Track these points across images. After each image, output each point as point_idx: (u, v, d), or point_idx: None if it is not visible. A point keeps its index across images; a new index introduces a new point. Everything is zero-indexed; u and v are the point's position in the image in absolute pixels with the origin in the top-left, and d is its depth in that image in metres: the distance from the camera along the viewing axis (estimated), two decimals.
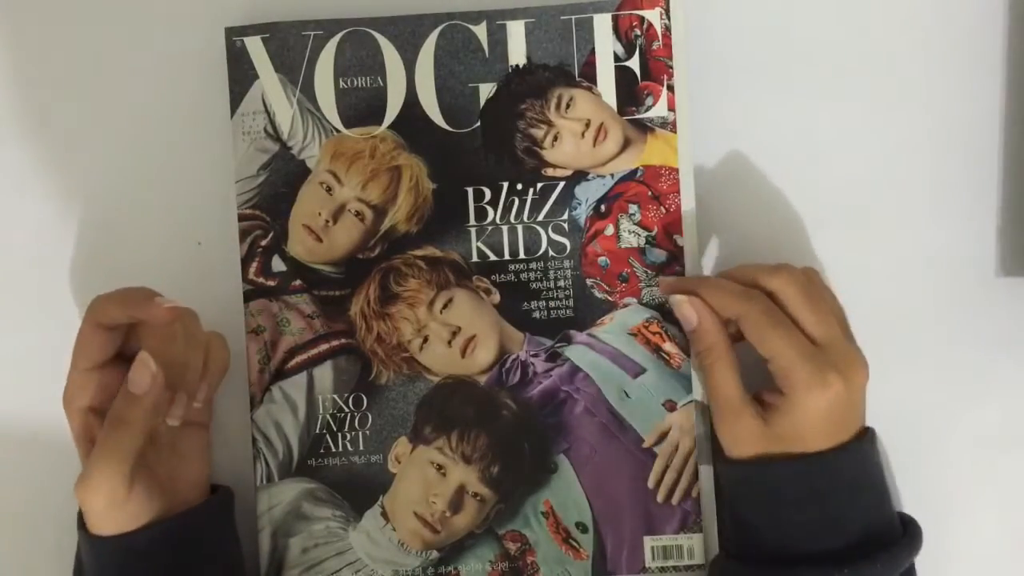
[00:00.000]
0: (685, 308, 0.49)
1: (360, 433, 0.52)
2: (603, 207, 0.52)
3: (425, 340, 0.52)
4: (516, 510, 0.51)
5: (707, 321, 0.48)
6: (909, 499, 0.52)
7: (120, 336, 0.48)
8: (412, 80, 0.52)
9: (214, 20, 0.52)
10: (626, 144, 0.51)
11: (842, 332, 0.47)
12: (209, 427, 0.52)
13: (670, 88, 0.51)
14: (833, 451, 0.46)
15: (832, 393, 0.45)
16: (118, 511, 0.45)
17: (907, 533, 0.47)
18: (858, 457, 0.46)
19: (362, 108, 0.52)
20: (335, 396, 0.52)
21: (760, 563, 0.47)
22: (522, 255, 0.52)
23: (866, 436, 0.47)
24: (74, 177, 0.54)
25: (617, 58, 0.51)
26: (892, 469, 0.53)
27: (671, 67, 0.51)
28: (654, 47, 0.51)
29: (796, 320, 0.46)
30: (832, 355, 0.46)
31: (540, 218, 0.52)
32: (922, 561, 0.47)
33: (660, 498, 0.51)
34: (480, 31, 0.51)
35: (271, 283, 0.52)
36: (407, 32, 0.51)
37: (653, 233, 0.52)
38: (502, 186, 0.52)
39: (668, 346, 0.51)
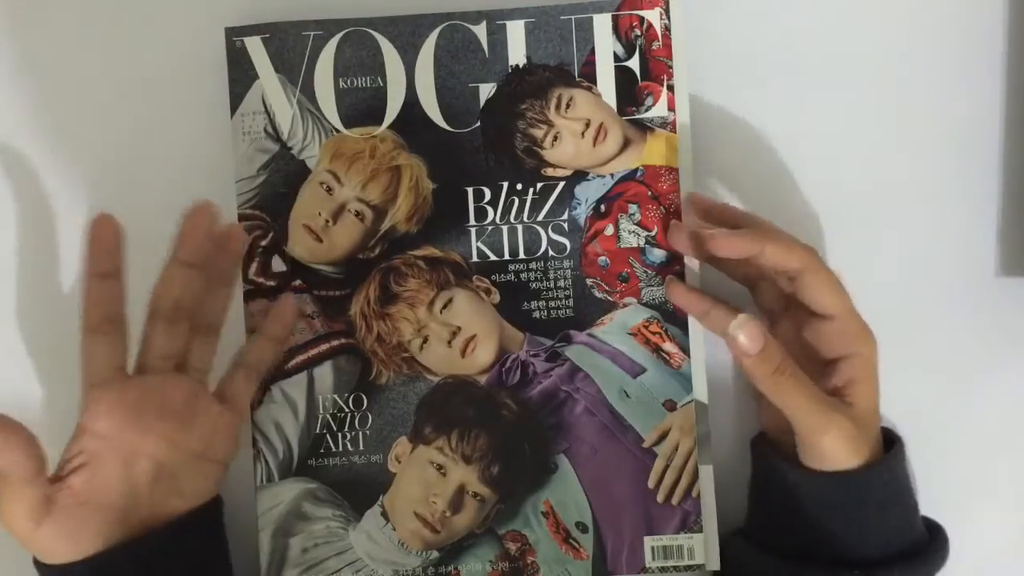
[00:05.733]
0: (749, 330, 0.43)
1: (360, 433, 0.52)
2: (603, 207, 0.52)
3: (425, 340, 0.52)
4: (516, 510, 0.51)
5: (771, 338, 0.44)
6: None
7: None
8: (412, 80, 0.52)
9: (214, 20, 0.52)
10: (626, 144, 0.51)
11: None
12: (227, 464, 0.49)
13: (670, 88, 0.51)
14: (892, 455, 0.47)
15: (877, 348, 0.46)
16: (46, 543, 0.44)
17: (933, 542, 0.47)
18: (902, 462, 0.47)
19: (362, 108, 0.52)
20: (335, 396, 0.52)
21: (788, 557, 0.47)
22: (522, 255, 0.52)
23: (901, 443, 0.48)
24: (74, 176, 0.54)
25: (617, 58, 0.51)
26: None
27: (671, 67, 0.51)
28: (654, 47, 0.51)
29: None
30: None
31: (540, 218, 0.52)
32: None
33: (660, 498, 0.51)
34: (480, 31, 0.51)
35: (271, 283, 0.52)
36: (407, 32, 0.51)
37: (653, 233, 0.52)
38: (502, 186, 0.52)
39: (668, 346, 0.51)
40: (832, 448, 0.45)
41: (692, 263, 0.51)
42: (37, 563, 0.45)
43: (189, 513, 0.47)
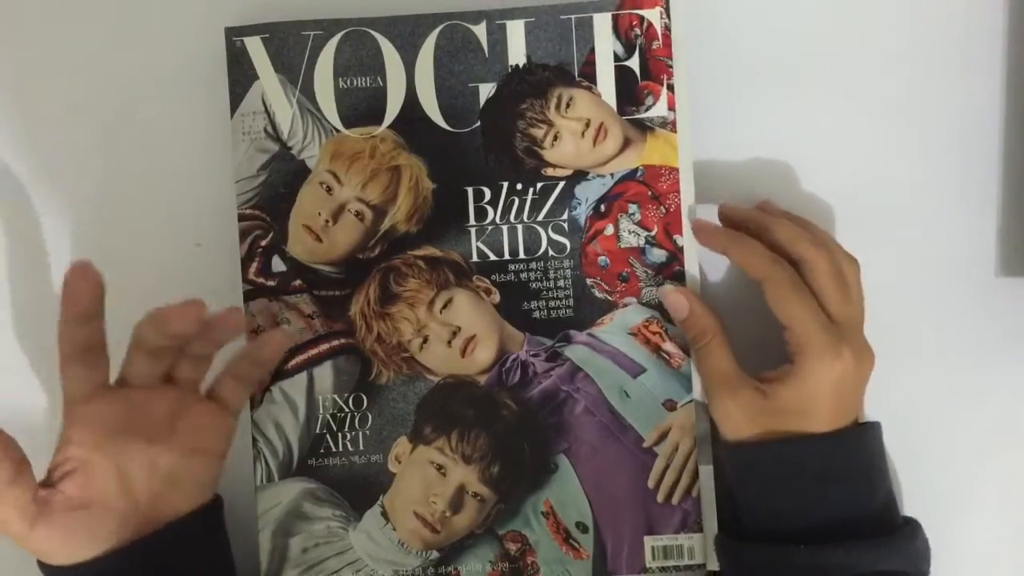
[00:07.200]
0: (674, 297, 0.50)
1: (360, 433, 0.52)
2: (603, 207, 0.52)
3: (425, 340, 0.52)
4: (516, 510, 0.51)
5: (697, 307, 0.49)
6: (909, 498, 0.53)
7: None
8: (412, 80, 0.52)
9: (214, 20, 0.52)
10: (626, 144, 0.51)
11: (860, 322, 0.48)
12: (223, 456, 0.49)
13: (670, 88, 0.51)
14: (839, 432, 0.46)
15: (842, 366, 0.45)
16: (42, 545, 0.44)
17: (896, 533, 0.46)
18: (858, 443, 0.47)
19: (362, 108, 0.52)
20: (335, 396, 0.52)
21: (743, 538, 0.47)
22: (522, 255, 0.52)
23: (868, 426, 0.48)
24: (73, 177, 0.54)
25: (617, 58, 0.51)
26: (892, 468, 0.53)
27: (671, 66, 0.51)
28: (654, 46, 0.51)
29: (820, 295, 0.47)
30: (848, 333, 0.46)
31: (540, 218, 0.52)
32: None
33: (660, 498, 0.51)
34: (480, 31, 0.51)
35: (271, 283, 0.52)
36: (407, 32, 0.51)
37: (653, 233, 0.52)
38: (502, 186, 0.52)
39: (668, 346, 0.51)
40: (727, 419, 0.47)
41: (692, 263, 0.51)
42: (40, 563, 0.45)
43: (190, 513, 0.47)
